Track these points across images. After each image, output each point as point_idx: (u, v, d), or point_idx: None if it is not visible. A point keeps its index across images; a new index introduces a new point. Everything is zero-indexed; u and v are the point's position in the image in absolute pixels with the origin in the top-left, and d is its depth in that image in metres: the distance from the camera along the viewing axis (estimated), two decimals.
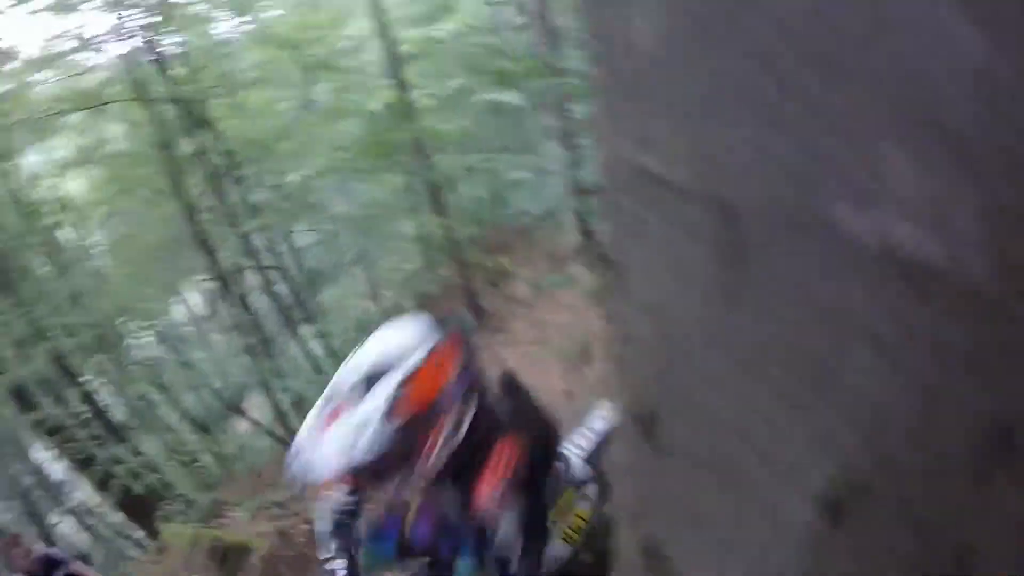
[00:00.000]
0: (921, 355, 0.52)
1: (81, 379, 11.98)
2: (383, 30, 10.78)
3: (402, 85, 10.78)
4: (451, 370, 1.79)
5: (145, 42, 11.11)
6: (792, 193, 0.56)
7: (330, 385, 1.76)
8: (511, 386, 2.16)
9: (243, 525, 7.59)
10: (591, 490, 3.39)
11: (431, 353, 1.76)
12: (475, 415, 1.92)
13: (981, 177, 0.44)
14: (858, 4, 0.47)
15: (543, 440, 2.12)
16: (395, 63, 10.83)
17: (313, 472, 1.72)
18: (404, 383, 1.70)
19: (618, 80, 0.74)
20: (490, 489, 1.82)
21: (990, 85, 0.43)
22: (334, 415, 1.68)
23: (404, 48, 11.60)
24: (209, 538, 6.80)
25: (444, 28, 12.09)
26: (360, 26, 13.06)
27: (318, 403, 1.75)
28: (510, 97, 12.15)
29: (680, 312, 0.78)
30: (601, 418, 3.72)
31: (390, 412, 1.67)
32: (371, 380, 1.72)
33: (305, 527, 6.89)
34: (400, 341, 1.82)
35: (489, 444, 1.89)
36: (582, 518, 3.31)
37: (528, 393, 2.23)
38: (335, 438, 1.68)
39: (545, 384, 9.09)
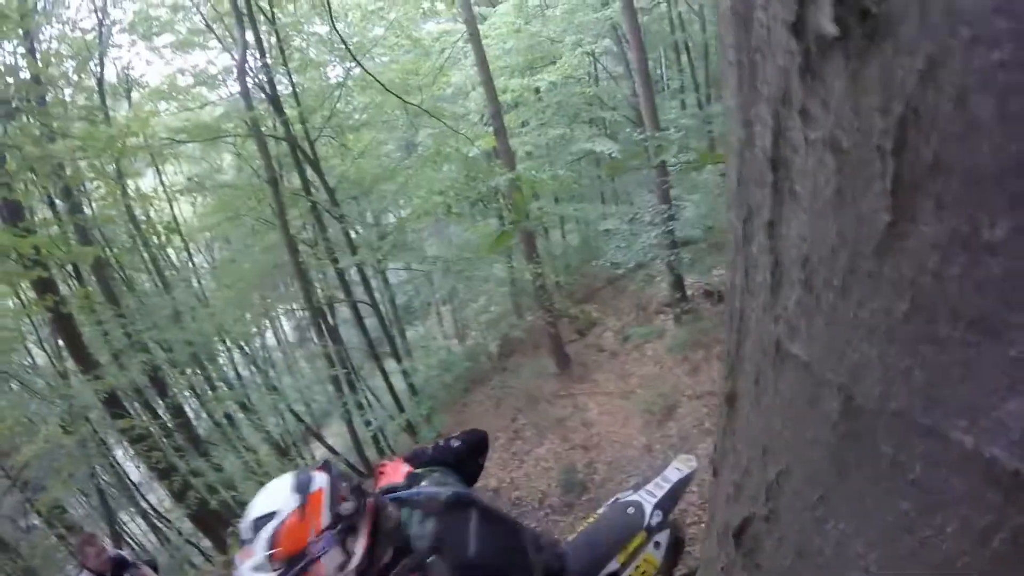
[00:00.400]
0: (1006, 542, 0.63)
1: (171, 392, 12.42)
2: (486, 79, 11.07)
3: (502, 132, 11.02)
4: (319, 520, 1.92)
5: (261, 82, 11.76)
6: (913, 404, 0.68)
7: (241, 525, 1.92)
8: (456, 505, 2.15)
9: None
10: (663, 536, 3.68)
11: (300, 506, 1.91)
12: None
13: None
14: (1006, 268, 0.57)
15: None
16: (496, 111, 11.10)
17: None
18: (274, 534, 1.84)
19: (781, 276, 0.86)
20: None
21: None
22: (245, 554, 1.84)
23: (505, 97, 11.90)
24: None
25: (545, 78, 12.36)
26: (464, 75, 13.49)
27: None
28: (607, 147, 12.29)
29: (792, 460, 0.93)
30: (677, 469, 3.98)
31: (268, 558, 1.83)
32: (257, 526, 1.87)
33: None
34: (278, 493, 1.96)
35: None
36: (651, 563, 3.59)
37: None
38: None
39: (625, 437, 9.02)
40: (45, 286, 8.63)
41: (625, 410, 9.52)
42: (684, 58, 15.90)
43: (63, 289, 10.42)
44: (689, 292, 10.91)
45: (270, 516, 1.89)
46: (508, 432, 10.99)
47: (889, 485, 0.74)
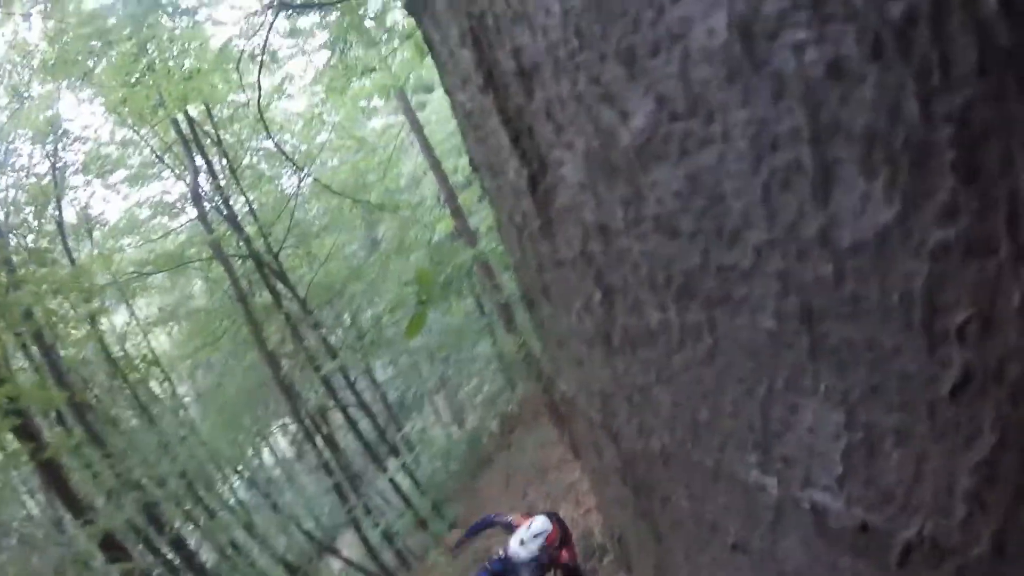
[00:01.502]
0: None
1: (171, 527, 12.09)
2: (434, 164, 11.18)
3: (459, 213, 11.07)
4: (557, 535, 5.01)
5: (217, 203, 11.80)
6: (689, 445, 0.58)
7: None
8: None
9: None
10: None
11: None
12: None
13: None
14: None
15: None
16: (449, 193, 11.16)
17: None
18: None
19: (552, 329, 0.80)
20: None
21: None
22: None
23: (457, 177, 11.99)
24: None
25: None
26: (414, 163, 13.64)
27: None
28: None
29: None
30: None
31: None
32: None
33: None
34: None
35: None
36: None
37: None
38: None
39: None
40: (27, 434, 8.44)
41: None
42: None
43: (47, 435, 10.19)
44: None
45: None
46: (521, 508, 10.73)
47: (717, 559, 0.61)
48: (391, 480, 13.23)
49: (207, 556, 13.94)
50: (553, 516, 5.25)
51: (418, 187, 13.82)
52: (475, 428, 15.10)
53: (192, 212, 12.35)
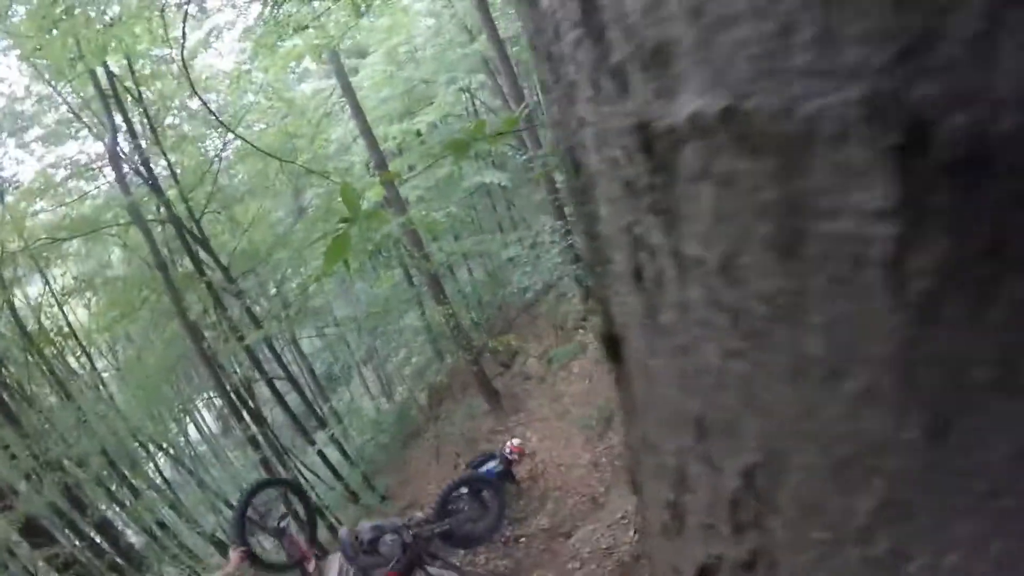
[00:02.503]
0: None
1: (95, 509, 11.71)
2: (365, 129, 11.00)
3: (389, 180, 10.94)
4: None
5: (136, 164, 11.34)
6: None
7: None
8: None
9: None
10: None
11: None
12: None
13: None
14: None
15: None
16: (380, 160, 11.01)
17: None
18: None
19: None
20: None
21: None
22: None
23: (388, 144, 11.86)
24: None
25: (424, 120, 12.36)
26: (344, 128, 13.40)
27: None
28: (496, 177, 12.34)
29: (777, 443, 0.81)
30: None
31: None
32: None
33: None
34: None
35: None
36: None
37: None
38: None
39: (570, 458, 8.90)
40: None
41: (564, 432, 9.44)
42: None
43: None
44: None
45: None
46: (452, 479, 10.77)
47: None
48: (320, 453, 13.08)
49: (134, 537, 13.56)
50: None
51: (347, 153, 13.60)
52: (404, 400, 15.03)
53: (110, 174, 11.88)
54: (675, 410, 0.59)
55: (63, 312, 14.19)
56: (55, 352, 13.40)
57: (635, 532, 6.10)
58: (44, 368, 12.84)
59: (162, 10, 8.84)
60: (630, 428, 0.73)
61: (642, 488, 0.75)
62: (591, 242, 0.62)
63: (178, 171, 12.11)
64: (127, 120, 11.26)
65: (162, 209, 11.27)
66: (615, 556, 6.06)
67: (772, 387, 0.48)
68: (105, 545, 11.41)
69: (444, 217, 11.72)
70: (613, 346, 0.64)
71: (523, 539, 8.03)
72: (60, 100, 11.77)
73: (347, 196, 1.67)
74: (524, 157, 10.83)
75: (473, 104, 14.45)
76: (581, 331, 11.23)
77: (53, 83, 11.28)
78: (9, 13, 9.43)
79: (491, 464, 8.51)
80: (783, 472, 0.51)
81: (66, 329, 13.71)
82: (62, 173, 12.34)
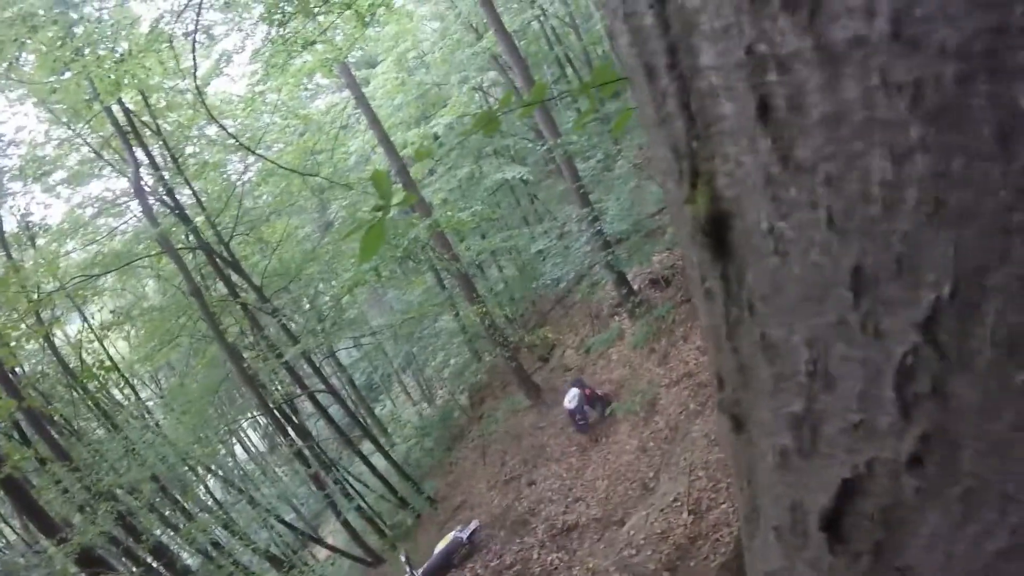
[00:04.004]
0: None
1: (149, 534, 11.90)
2: (382, 137, 11.06)
3: (411, 186, 10.98)
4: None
5: (161, 196, 11.51)
6: None
7: None
8: None
9: None
10: None
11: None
12: None
13: None
14: None
15: None
16: (400, 167, 11.06)
17: None
18: None
19: None
20: None
21: None
22: None
23: (406, 151, 11.89)
24: None
25: (440, 122, 12.39)
26: (362, 139, 13.49)
27: None
28: (517, 171, 12.32)
29: None
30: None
31: None
32: None
33: None
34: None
35: None
36: None
37: None
38: None
39: (615, 445, 8.85)
40: None
41: (608, 420, 9.38)
42: (569, 69, 16.21)
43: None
44: (635, 286, 10.89)
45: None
46: (502, 476, 10.79)
47: None
48: (367, 462, 13.17)
49: (190, 559, 13.77)
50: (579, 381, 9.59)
51: (367, 164, 13.67)
52: (445, 403, 15.09)
53: (136, 208, 12.05)
54: (817, 278, 0.48)
55: (103, 346, 14.44)
56: (99, 386, 13.62)
57: (689, 514, 6.01)
58: (89, 402, 13.09)
59: (171, 41, 8.91)
60: (732, 345, 0.60)
61: (747, 419, 0.62)
62: (690, 104, 0.52)
63: (203, 198, 12.27)
64: (148, 153, 11.46)
65: (191, 236, 11.43)
66: (671, 539, 6.00)
67: (970, 176, 0.38)
68: (161, 569, 11.61)
69: (470, 216, 11.72)
70: (717, 232, 0.54)
71: (576, 530, 7.96)
72: (80, 141, 11.92)
73: (379, 182, 1.65)
74: (544, 146, 10.79)
75: (487, 102, 14.44)
76: (616, 317, 11.18)
77: (71, 125, 11.47)
78: (21, 62, 9.58)
79: (573, 391, 9.48)
80: (981, 299, 0.41)
81: (108, 363, 13.94)
82: (90, 212, 12.55)
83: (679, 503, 6.30)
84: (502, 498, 10.17)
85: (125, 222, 12.89)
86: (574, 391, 9.45)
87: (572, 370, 11.48)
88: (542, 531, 8.31)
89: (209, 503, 15.83)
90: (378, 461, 13.55)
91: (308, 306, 14.78)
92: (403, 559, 8.41)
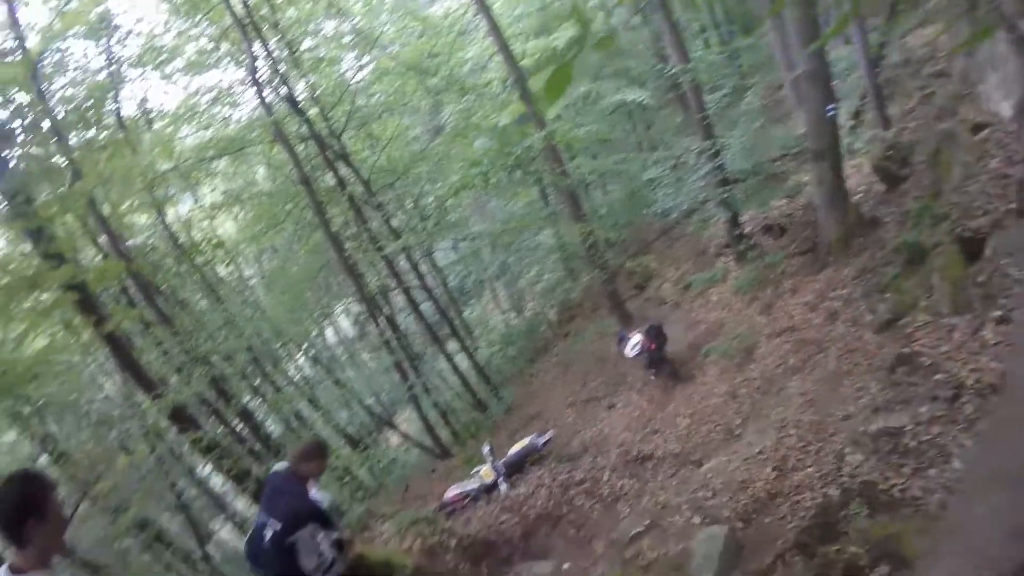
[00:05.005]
0: None
1: (238, 400, 12.65)
2: (502, 46, 10.84)
3: (527, 96, 10.79)
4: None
5: (277, 86, 11.71)
6: None
7: None
8: None
9: (390, 540, 7.78)
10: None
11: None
12: None
13: None
14: None
15: None
16: (518, 76, 10.86)
17: None
18: None
19: None
20: None
21: None
22: None
23: (525, 62, 11.66)
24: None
25: (561, 36, 12.06)
26: (480, 47, 13.28)
27: None
28: (637, 95, 11.97)
29: None
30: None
31: None
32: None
33: (452, 543, 6.99)
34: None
35: None
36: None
37: None
38: None
39: (703, 386, 8.77)
40: (89, 308, 8.68)
41: (697, 360, 9.32)
42: None
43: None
44: (748, 229, 10.60)
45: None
46: (582, 395, 10.90)
47: None
48: (450, 361, 13.55)
49: (273, 427, 14.59)
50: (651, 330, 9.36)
51: (483, 71, 13.48)
52: (534, 316, 15.24)
53: (251, 98, 12.30)
54: None
55: (212, 225, 15.10)
56: (205, 261, 14.31)
57: (773, 470, 5.94)
58: (196, 275, 13.78)
59: None
60: None
61: None
62: None
63: (317, 91, 12.41)
64: (265, 46, 11.55)
65: (303, 128, 11.62)
66: (750, 491, 5.86)
67: None
68: (246, 432, 12.41)
69: (585, 133, 11.52)
70: None
71: (651, 461, 7.92)
72: (199, 32, 12.13)
73: (578, 10, 1.54)
74: (671, 70, 10.30)
75: (608, 20, 13.93)
76: (723, 258, 10.96)
77: (190, 17, 11.67)
78: None
79: (637, 338, 9.47)
80: None
81: (215, 241, 14.58)
82: (205, 100, 12.83)
83: (764, 456, 6.20)
84: (578, 416, 10.27)
85: (240, 111, 13.18)
86: (637, 337, 9.42)
87: (667, 304, 11.38)
88: (615, 455, 8.30)
89: (296, 378, 16.62)
90: (461, 362, 13.94)
91: (412, 205, 15.01)
92: (486, 449, 8.64)
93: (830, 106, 8.29)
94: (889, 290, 6.87)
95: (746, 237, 10.34)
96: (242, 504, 14.40)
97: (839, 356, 6.75)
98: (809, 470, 5.56)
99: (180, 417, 9.67)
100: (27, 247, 8.84)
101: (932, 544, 3.70)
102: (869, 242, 8.14)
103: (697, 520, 6.00)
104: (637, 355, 9.40)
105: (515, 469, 8.64)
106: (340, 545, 5.64)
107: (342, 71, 13.28)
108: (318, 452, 5.49)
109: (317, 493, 5.63)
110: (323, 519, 5.28)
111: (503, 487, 8.22)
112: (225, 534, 15.69)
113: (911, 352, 5.54)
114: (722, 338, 9.17)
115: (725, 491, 6.21)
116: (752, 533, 5.43)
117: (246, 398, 13.44)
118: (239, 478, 10.04)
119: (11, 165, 8.54)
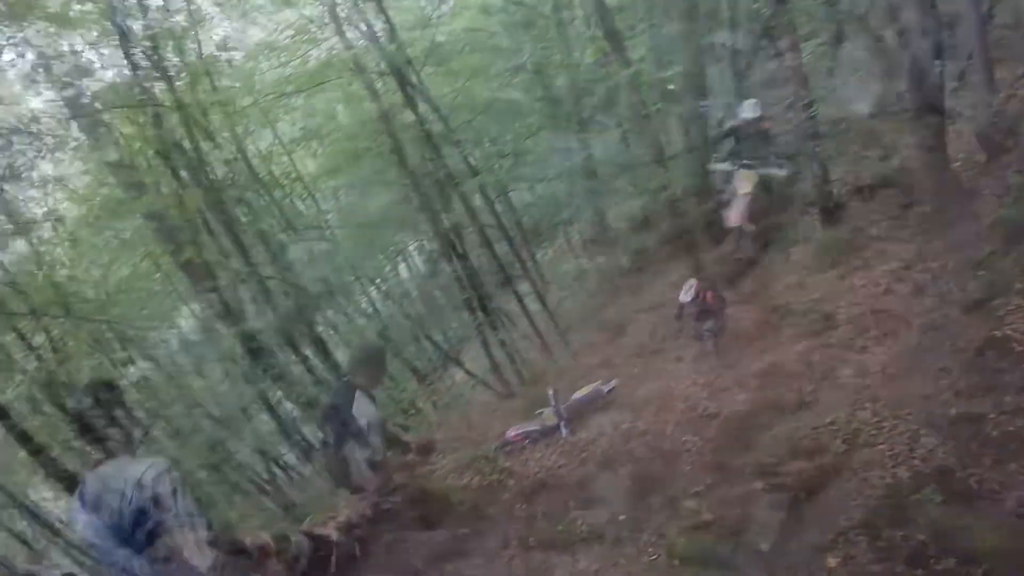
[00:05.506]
0: None
1: (311, 330, 13.00)
2: None
3: (613, 35, 10.40)
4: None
5: (356, 22, 11.62)
6: None
7: None
8: None
9: (449, 475, 7.89)
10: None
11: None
12: None
13: None
14: None
15: None
16: (603, 15, 10.46)
17: None
18: None
19: None
20: None
21: None
22: None
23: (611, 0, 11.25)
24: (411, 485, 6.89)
25: None
26: None
27: None
28: (730, 39, 11.43)
29: None
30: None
31: None
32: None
33: (510, 483, 7.04)
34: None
35: None
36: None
37: None
38: None
39: (775, 348, 8.48)
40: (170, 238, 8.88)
41: (772, 322, 9.03)
42: None
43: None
44: (836, 188, 10.09)
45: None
46: (649, 346, 10.72)
47: None
48: (520, 303, 13.53)
49: (342, 357, 14.98)
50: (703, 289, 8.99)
51: (568, 8, 13.08)
52: (606, 261, 15.04)
53: (331, 34, 12.25)
54: None
55: (291, 160, 15.38)
56: (283, 196, 14.53)
57: (843, 443, 5.73)
58: (274, 209, 14.05)
59: None
60: None
61: None
62: None
63: (396, 26, 12.27)
64: None
65: (383, 64, 11.52)
66: (816, 461, 5.67)
67: None
68: (317, 361, 12.73)
69: (671, 77, 11.10)
70: None
71: (716, 419, 7.63)
72: None
73: None
74: (770, 10, 9.70)
75: None
76: (807, 217, 10.51)
77: None
78: None
79: (691, 282, 9.12)
80: None
81: (293, 174, 14.78)
82: (285, 36, 12.83)
83: (836, 428, 5.97)
84: (645, 367, 10.08)
85: (320, 48, 13.14)
86: (693, 281, 9.06)
87: (743, 260, 11.03)
88: (680, 410, 8.08)
89: (368, 311, 16.93)
90: (530, 304, 13.92)
91: (490, 143, 14.88)
92: (550, 392, 8.66)
93: (937, 62, 7.79)
94: (983, 268, 6.53)
95: (834, 196, 9.87)
96: (308, 431, 14.94)
97: (923, 332, 6.47)
98: (881, 447, 5.35)
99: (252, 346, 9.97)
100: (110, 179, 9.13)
101: (1005, 543, 3.55)
102: (965, 214, 7.70)
103: (759, 486, 5.81)
104: (690, 301, 8.99)
105: (577, 414, 8.63)
106: (373, 465, 5.69)
107: (423, 6, 13.11)
108: (368, 360, 5.45)
109: (365, 407, 5.54)
110: (344, 429, 5.38)
111: (564, 431, 8.26)
112: (290, 459, 16.28)
113: (1002, 336, 5.27)
114: (800, 300, 8.85)
115: (791, 459, 6.00)
116: (815, 506, 5.23)
117: (319, 328, 13.75)
118: (308, 406, 10.35)
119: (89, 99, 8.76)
